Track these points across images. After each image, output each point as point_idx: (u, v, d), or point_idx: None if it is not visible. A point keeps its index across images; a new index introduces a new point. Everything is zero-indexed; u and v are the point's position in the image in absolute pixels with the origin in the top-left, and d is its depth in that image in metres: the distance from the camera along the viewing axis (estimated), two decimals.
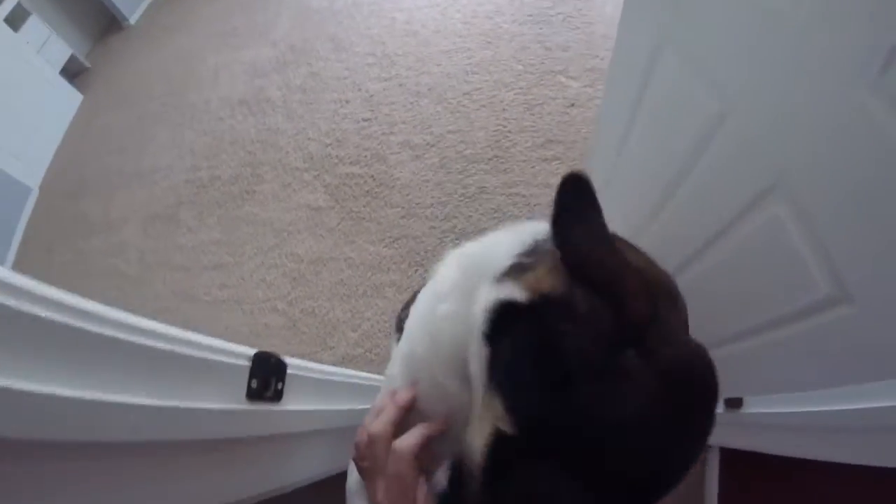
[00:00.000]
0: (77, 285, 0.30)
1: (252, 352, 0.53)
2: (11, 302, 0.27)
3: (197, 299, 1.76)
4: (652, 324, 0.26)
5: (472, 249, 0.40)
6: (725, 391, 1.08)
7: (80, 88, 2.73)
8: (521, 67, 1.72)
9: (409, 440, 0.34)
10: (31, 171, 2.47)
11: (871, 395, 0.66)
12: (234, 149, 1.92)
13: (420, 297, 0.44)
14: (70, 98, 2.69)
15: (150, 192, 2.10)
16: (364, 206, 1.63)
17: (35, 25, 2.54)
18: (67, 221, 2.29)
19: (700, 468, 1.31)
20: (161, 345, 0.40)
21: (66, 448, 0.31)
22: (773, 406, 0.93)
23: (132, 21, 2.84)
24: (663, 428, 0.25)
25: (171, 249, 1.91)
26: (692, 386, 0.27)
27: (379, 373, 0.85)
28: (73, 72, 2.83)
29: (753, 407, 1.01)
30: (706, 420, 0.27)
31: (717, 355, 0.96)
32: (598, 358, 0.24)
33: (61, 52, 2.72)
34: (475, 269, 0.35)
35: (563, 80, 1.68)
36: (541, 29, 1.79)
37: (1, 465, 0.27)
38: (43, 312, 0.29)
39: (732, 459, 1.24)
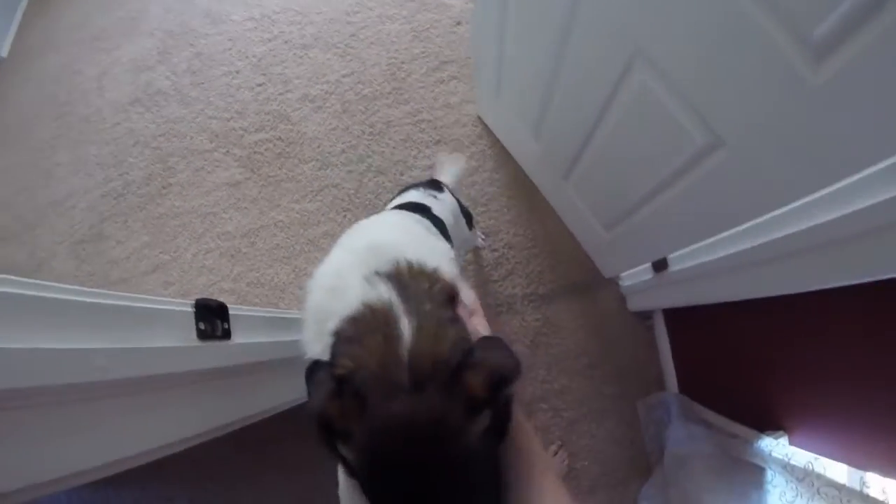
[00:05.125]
0: None
1: (192, 301, 0.61)
2: (23, 290, 0.38)
3: None
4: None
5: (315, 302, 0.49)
6: (649, 256, 1.18)
7: None
8: None
9: None
10: None
11: (771, 227, 0.72)
12: (139, 149, 1.86)
13: None
14: None
15: (70, 217, 2.02)
16: (279, 169, 1.63)
17: None
18: None
19: (648, 333, 1.42)
20: (117, 301, 0.48)
21: (55, 391, 0.39)
22: (694, 259, 1.01)
23: (3, 54, 2.63)
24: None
25: (107, 267, 1.87)
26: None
27: None
28: None
29: (678, 264, 1.10)
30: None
31: (633, 222, 1.03)
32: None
33: None
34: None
35: (444, 0, 1.69)
36: None
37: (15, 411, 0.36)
38: (42, 293, 0.40)
39: (675, 317, 1.33)
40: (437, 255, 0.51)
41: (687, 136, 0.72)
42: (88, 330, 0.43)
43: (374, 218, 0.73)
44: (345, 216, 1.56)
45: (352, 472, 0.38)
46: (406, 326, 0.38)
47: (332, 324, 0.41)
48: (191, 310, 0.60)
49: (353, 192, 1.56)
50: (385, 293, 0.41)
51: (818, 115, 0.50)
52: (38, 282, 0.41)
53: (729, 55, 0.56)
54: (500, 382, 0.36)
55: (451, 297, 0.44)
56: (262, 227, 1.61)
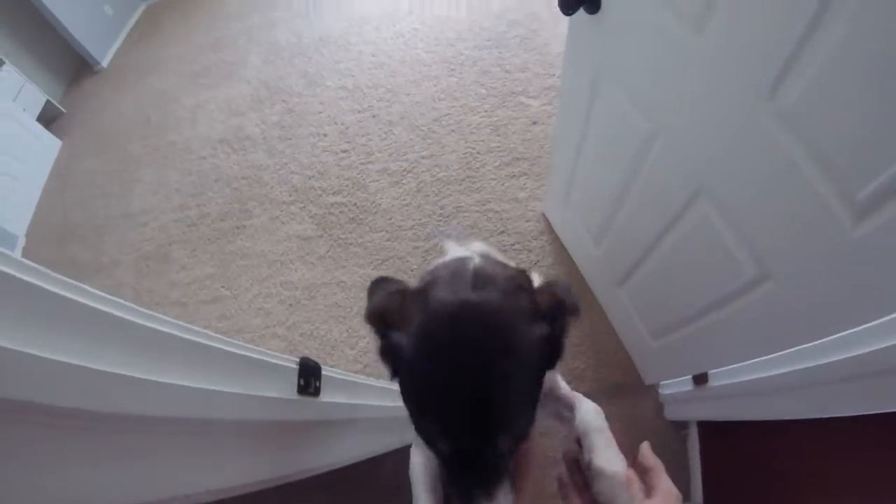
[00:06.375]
0: None
1: (297, 358, 0.67)
2: (158, 325, 0.43)
3: None
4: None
5: None
6: (691, 369, 1.23)
7: (57, 134, 2.76)
8: (484, 91, 1.85)
9: None
10: (16, 219, 2.50)
11: (809, 355, 0.77)
12: (220, 186, 2.01)
13: None
14: (49, 144, 2.72)
15: (140, 233, 2.17)
16: (350, 233, 1.74)
17: (9, 74, 2.57)
18: (58, 267, 2.32)
19: (682, 443, 1.45)
20: (242, 351, 0.55)
21: (183, 422, 0.45)
22: (734, 377, 1.06)
23: (104, 64, 2.88)
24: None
25: (166, 287, 1.99)
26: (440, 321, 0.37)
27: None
28: (48, 118, 2.86)
29: (718, 380, 1.15)
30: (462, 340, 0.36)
31: (680, 335, 1.12)
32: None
33: (36, 98, 2.75)
34: None
35: (524, 100, 1.82)
36: (500, 52, 1.93)
37: (131, 436, 0.41)
38: (176, 332, 0.45)
39: (710, 431, 1.35)
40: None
41: (739, 266, 0.80)
42: (221, 372, 0.51)
43: None
44: None
45: (396, 363, 0.39)
46: (475, 262, 0.44)
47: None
48: (295, 366, 0.66)
49: (415, 267, 1.66)
50: (470, 253, 0.48)
51: (856, 263, 0.58)
52: (189, 326, 0.48)
53: (783, 203, 0.65)
54: (563, 306, 0.39)
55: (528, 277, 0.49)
56: (325, 284, 1.71)
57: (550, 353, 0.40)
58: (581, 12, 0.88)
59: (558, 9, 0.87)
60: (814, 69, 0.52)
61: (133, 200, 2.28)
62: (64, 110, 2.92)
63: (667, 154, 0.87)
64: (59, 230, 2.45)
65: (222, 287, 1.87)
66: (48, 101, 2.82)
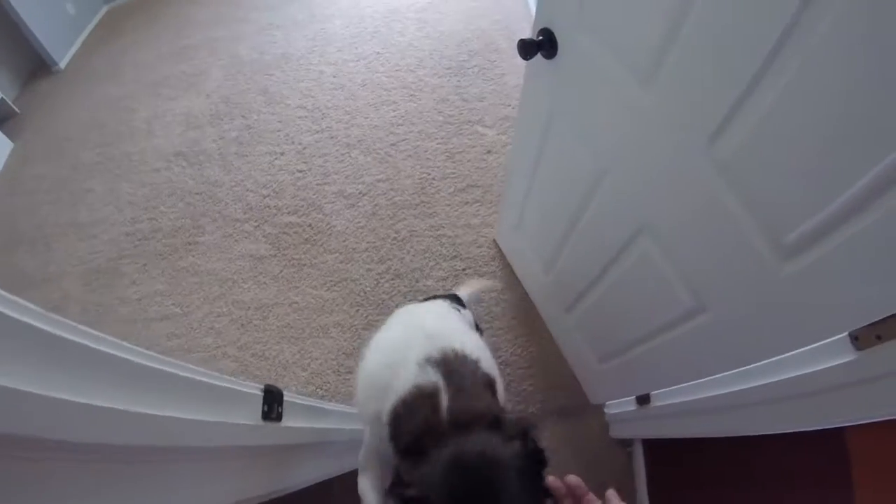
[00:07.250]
0: None
1: (262, 385, 0.70)
2: (133, 357, 0.44)
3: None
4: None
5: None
6: (634, 391, 1.30)
7: (8, 135, 2.65)
8: (441, 118, 1.90)
9: None
10: None
11: (744, 378, 0.82)
12: (173, 200, 1.98)
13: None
14: (0, 145, 2.61)
15: (90, 244, 2.10)
16: (304, 254, 1.75)
17: None
18: (2, 275, 2.24)
19: (627, 460, 1.52)
20: (211, 380, 0.56)
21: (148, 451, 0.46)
22: (674, 398, 1.12)
23: (62, 65, 2.78)
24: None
25: (115, 302, 1.94)
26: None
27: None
28: (1, 117, 2.75)
29: (660, 401, 1.21)
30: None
31: (624, 359, 1.21)
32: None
33: None
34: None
35: (479, 129, 1.88)
36: (459, 81, 1.98)
37: (105, 464, 0.42)
38: (141, 360, 0.46)
39: (654, 448, 1.41)
40: (479, 349, 0.65)
41: (677, 298, 0.87)
42: (197, 403, 0.52)
43: (426, 304, 0.88)
44: (357, 310, 1.67)
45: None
46: (444, 398, 0.51)
47: (390, 402, 0.55)
48: (260, 393, 0.69)
49: (369, 289, 1.68)
50: (433, 377, 0.54)
51: (781, 300, 0.65)
52: (174, 360, 0.50)
53: (717, 243, 0.72)
54: (528, 428, 0.49)
55: (489, 384, 0.57)
56: (277, 305, 1.71)
57: (537, 458, 0.48)
58: (539, 56, 0.94)
59: (517, 52, 0.92)
60: (748, 126, 0.58)
61: (83, 210, 2.21)
62: (18, 110, 2.80)
63: (613, 193, 0.93)
64: (4, 236, 2.35)
65: (173, 304, 1.84)
66: (2, 100, 2.71)
